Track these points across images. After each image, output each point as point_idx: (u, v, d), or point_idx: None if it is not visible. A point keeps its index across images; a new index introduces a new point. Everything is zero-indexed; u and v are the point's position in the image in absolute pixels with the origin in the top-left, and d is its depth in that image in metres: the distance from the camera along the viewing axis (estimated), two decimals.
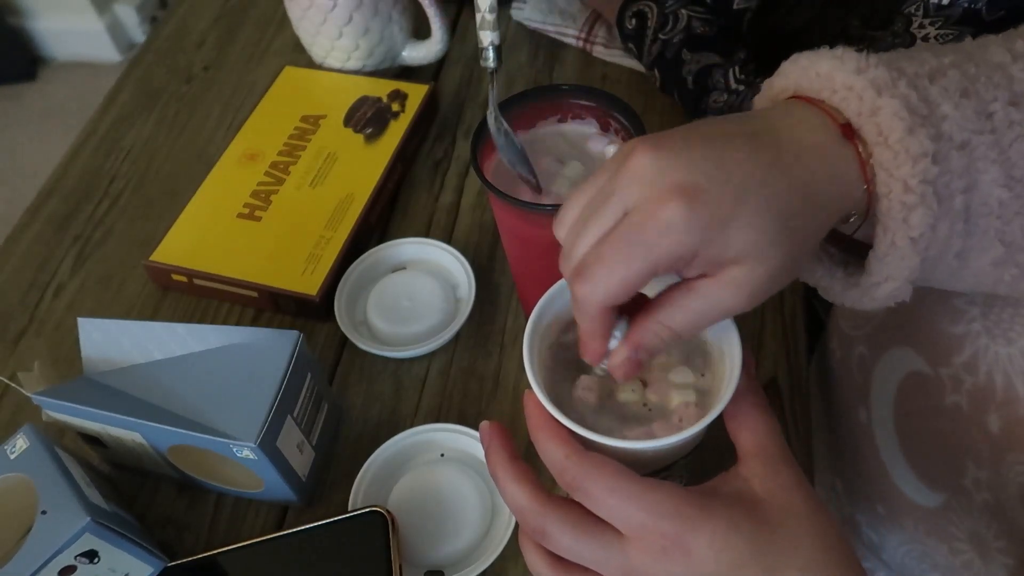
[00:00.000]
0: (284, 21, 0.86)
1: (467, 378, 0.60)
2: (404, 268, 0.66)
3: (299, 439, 0.52)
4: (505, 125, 0.50)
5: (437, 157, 0.75)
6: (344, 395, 0.60)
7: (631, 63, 0.79)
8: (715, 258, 0.33)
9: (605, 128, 0.54)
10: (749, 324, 0.61)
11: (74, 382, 0.53)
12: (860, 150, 0.34)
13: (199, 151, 0.78)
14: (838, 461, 0.65)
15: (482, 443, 0.40)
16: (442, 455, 0.56)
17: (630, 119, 0.51)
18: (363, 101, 0.75)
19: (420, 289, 0.62)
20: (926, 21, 0.55)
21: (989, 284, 0.38)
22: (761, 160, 0.33)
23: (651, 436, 0.38)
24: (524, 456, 0.39)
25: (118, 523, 0.47)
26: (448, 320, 0.62)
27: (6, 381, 0.56)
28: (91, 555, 0.46)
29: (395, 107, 0.74)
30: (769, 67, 0.40)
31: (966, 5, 0.54)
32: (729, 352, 0.39)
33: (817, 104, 0.36)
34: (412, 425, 0.57)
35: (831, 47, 0.36)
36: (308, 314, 0.64)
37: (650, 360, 0.37)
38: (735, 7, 0.69)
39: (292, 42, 0.85)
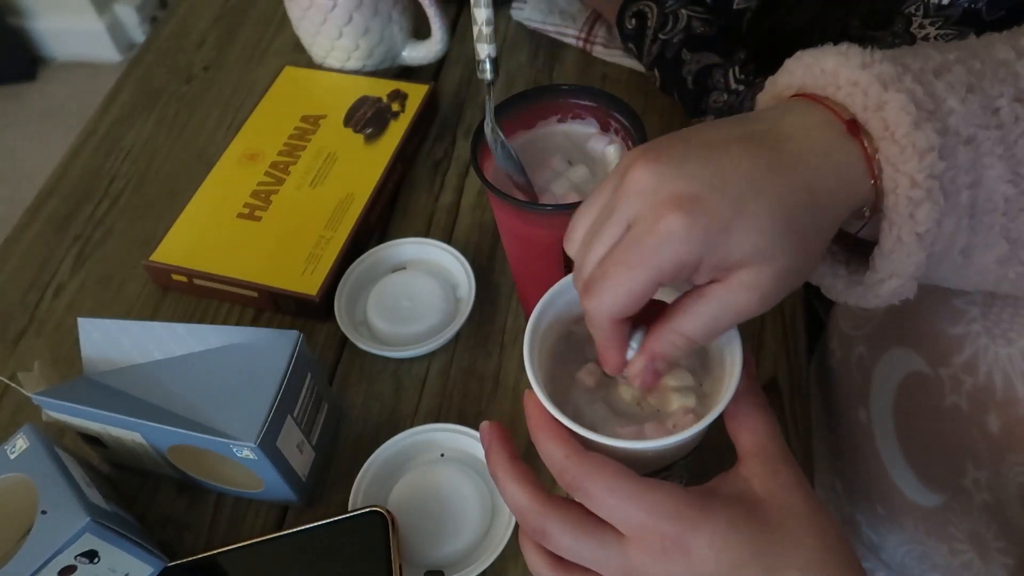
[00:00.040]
0: (284, 21, 0.86)
1: (467, 378, 0.60)
2: (404, 268, 0.66)
3: (299, 439, 0.52)
4: (501, 136, 0.50)
5: (437, 157, 0.75)
6: (344, 395, 0.60)
7: (631, 63, 0.79)
8: (721, 263, 0.33)
9: (605, 128, 0.54)
10: (749, 324, 0.61)
11: (74, 382, 0.53)
12: (866, 145, 0.34)
13: (199, 151, 0.78)
14: (838, 461, 0.65)
15: (482, 443, 0.40)
16: (442, 455, 0.56)
17: (630, 119, 0.51)
18: (363, 101, 0.75)
19: (420, 289, 0.62)
20: (926, 21, 0.55)
21: (993, 282, 0.38)
22: (760, 162, 0.33)
23: (642, 435, 0.38)
24: (524, 456, 0.39)
25: (118, 523, 0.47)
26: (448, 320, 0.62)
27: (6, 381, 0.56)
28: (91, 555, 0.46)
29: (395, 107, 0.74)
30: (769, 67, 0.39)
31: (966, 5, 0.54)
32: (729, 352, 0.39)
33: (821, 101, 0.36)
34: (412, 425, 0.57)
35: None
36: (308, 314, 0.64)
37: (669, 369, 0.38)
38: (735, 7, 0.69)
39: (292, 42, 0.85)
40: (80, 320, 0.53)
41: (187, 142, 0.79)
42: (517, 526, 0.50)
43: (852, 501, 0.63)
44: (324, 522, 0.50)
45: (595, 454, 0.36)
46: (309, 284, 0.63)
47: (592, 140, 0.54)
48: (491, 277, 0.66)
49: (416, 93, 0.75)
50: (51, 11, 2.25)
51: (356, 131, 0.73)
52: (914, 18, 0.56)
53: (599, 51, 0.81)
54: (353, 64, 0.78)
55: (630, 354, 0.37)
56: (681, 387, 0.40)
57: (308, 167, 0.71)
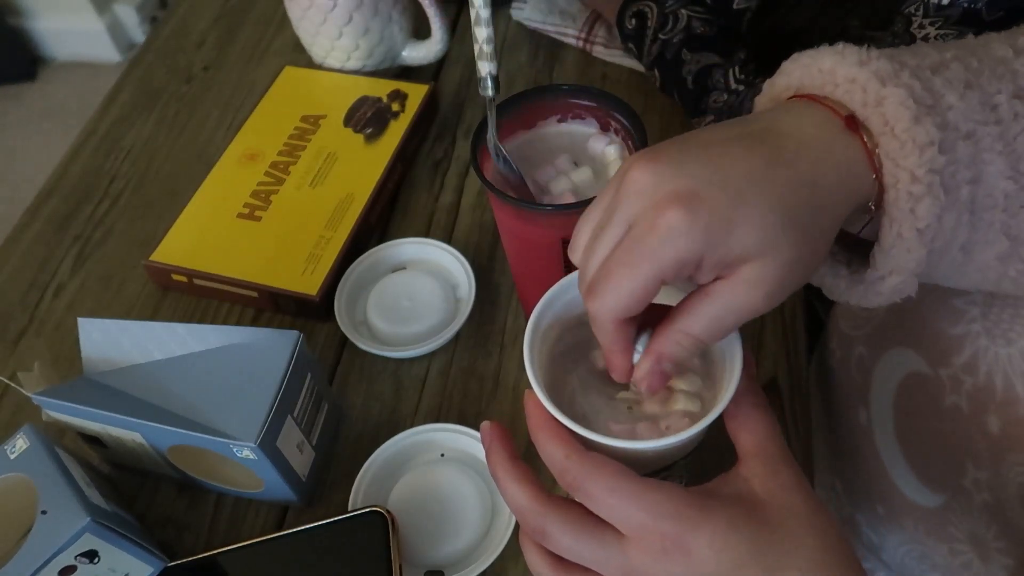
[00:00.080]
0: (284, 21, 0.86)
1: (467, 378, 0.60)
2: (404, 268, 0.66)
3: (299, 439, 0.52)
4: (504, 152, 0.51)
5: (437, 157, 0.75)
6: (344, 395, 0.60)
7: (631, 63, 0.79)
8: (723, 260, 0.33)
9: (605, 128, 0.54)
10: (749, 324, 0.60)
11: (74, 382, 0.53)
12: (866, 140, 0.34)
13: (199, 151, 0.78)
14: (838, 461, 0.65)
15: (483, 443, 0.40)
16: (442, 455, 0.56)
17: (630, 119, 0.51)
18: (363, 101, 0.75)
19: (420, 289, 0.62)
20: (926, 21, 0.55)
21: (994, 280, 0.38)
22: (759, 159, 0.33)
23: (634, 434, 0.38)
24: (524, 456, 0.39)
25: (118, 523, 0.47)
26: (448, 320, 0.62)
27: (6, 381, 0.56)
28: (91, 555, 0.46)
29: (395, 107, 0.74)
30: (769, 67, 0.40)
31: (966, 5, 0.54)
32: (729, 352, 0.39)
33: (819, 100, 0.36)
34: (412, 425, 0.57)
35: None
36: (308, 314, 0.64)
37: (676, 371, 0.37)
38: (735, 7, 0.69)
39: (292, 42, 0.85)
40: (80, 320, 0.53)
41: (187, 142, 0.79)
42: (517, 526, 0.50)
43: (852, 501, 0.63)
44: (324, 522, 0.50)
45: (595, 454, 0.36)
46: (309, 284, 0.63)
47: (592, 140, 0.54)
48: (491, 277, 0.66)
49: (416, 93, 0.75)
50: (51, 11, 2.25)
51: (356, 131, 0.73)
52: (914, 18, 0.56)
53: (599, 51, 0.81)
54: (353, 64, 0.78)
55: (636, 358, 0.37)
56: (690, 391, 0.40)
57: (308, 167, 0.71)
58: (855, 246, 0.39)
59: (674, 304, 0.37)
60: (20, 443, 0.48)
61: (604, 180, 0.52)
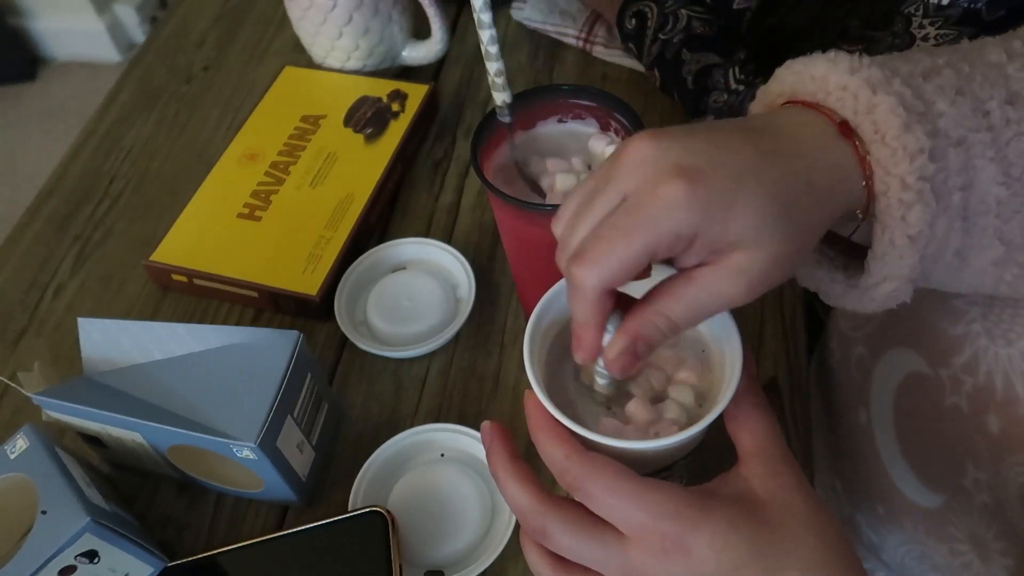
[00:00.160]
0: (284, 21, 0.86)
1: (467, 378, 0.60)
2: (404, 268, 0.66)
3: (299, 439, 0.52)
4: (531, 175, 0.52)
5: (437, 157, 0.75)
6: (344, 395, 0.60)
7: (631, 63, 0.79)
8: (715, 242, 0.33)
9: (605, 128, 0.54)
10: (749, 324, 0.61)
11: (74, 382, 0.53)
12: (858, 146, 0.34)
13: (199, 151, 0.78)
14: (838, 461, 0.65)
15: (483, 443, 0.40)
16: (442, 455, 0.56)
17: (630, 119, 0.51)
18: (363, 101, 0.75)
19: (420, 289, 0.62)
20: (926, 21, 0.56)
21: (990, 284, 0.38)
22: (760, 150, 0.33)
23: (623, 433, 0.38)
24: (524, 456, 0.39)
25: (118, 523, 0.47)
26: (448, 320, 0.62)
27: (6, 381, 0.56)
28: (91, 555, 0.46)
29: (395, 107, 0.74)
30: (769, 67, 0.40)
31: (966, 5, 0.54)
32: (729, 352, 0.39)
33: (813, 107, 0.36)
34: (412, 425, 0.57)
35: (831, 47, 0.37)
36: (308, 314, 0.64)
37: (649, 353, 0.36)
38: (735, 7, 0.69)
39: (292, 42, 0.85)
40: (80, 320, 0.53)
41: (187, 142, 0.79)
42: (517, 526, 0.50)
43: (852, 501, 0.63)
44: (324, 522, 0.50)
45: (595, 454, 0.36)
46: (309, 284, 0.63)
47: (592, 140, 0.54)
48: (491, 277, 0.66)
49: (416, 93, 0.75)
50: (51, 11, 2.25)
51: (356, 131, 0.73)
52: (914, 18, 0.56)
53: (599, 51, 0.81)
54: (353, 64, 0.78)
55: (606, 339, 0.36)
56: (680, 403, 0.40)
57: (308, 167, 0.71)
58: (852, 251, 0.39)
59: (637, 296, 0.36)
60: (20, 443, 0.48)
61: None
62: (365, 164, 0.70)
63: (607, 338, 0.36)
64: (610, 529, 0.36)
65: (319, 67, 0.80)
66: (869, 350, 0.56)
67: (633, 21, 0.72)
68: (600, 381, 0.39)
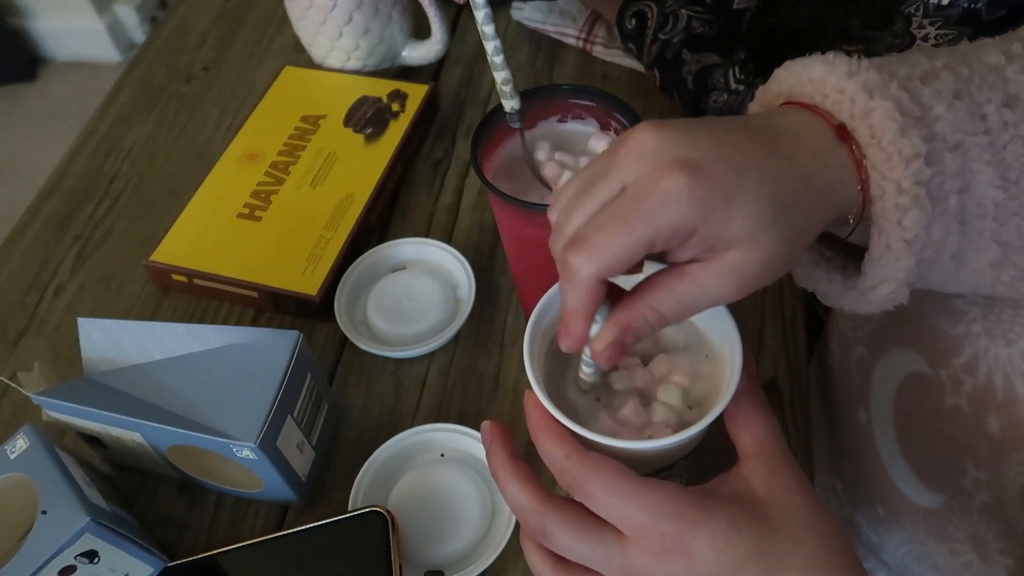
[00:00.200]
0: (284, 21, 0.86)
1: (467, 378, 0.60)
2: (404, 268, 0.66)
3: (299, 439, 0.52)
4: (539, 174, 0.52)
5: (437, 157, 0.75)
6: (344, 395, 0.60)
7: (631, 63, 0.79)
8: (712, 238, 0.33)
9: (605, 128, 0.54)
10: (749, 324, 0.61)
11: (74, 382, 0.53)
12: (854, 149, 0.34)
13: (199, 151, 0.78)
14: (838, 461, 0.65)
15: (483, 443, 0.40)
16: (442, 455, 0.56)
17: (630, 119, 0.51)
18: (363, 101, 0.75)
19: (420, 289, 0.62)
20: (926, 21, 0.56)
21: (988, 286, 0.38)
22: (760, 149, 0.33)
23: (617, 432, 0.38)
24: (524, 456, 0.39)
25: (118, 523, 0.47)
26: (448, 320, 0.62)
27: (6, 381, 0.56)
28: (91, 555, 0.46)
29: (395, 107, 0.74)
30: (769, 67, 0.40)
31: (966, 5, 0.54)
32: (729, 352, 0.39)
33: (811, 109, 0.36)
34: (412, 425, 0.57)
35: (830, 47, 0.37)
36: (308, 314, 0.64)
37: (635, 343, 0.36)
38: (735, 7, 0.69)
39: (292, 42, 0.85)
40: (80, 320, 0.53)
41: (187, 142, 0.79)
42: (517, 526, 0.50)
43: (852, 501, 0.63)
44: (324, 522, 0.50)
45: (595, 454, 0.36)
46: (309, 284, 0.63)
47: (592, 140, 0.54)
48: (491, 277, 0.66)
49: (416, 93, 0.75)
50: (51, 11, 2.25)
51: (356, 131, 0.73)
52: (914, 18, 0.56)
53: (599, 51, 0.81)
54: (353, 64, 0.78)
55: (594, 329, 0.36)
56: (669, 405, 0.40)
57: (308, 167, 0.71)
58: (850, 251, 0.39)
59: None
60: (20, 443, 0.48)
61: None
62: (365, 164, 0.70)
63: (595, 328, 0.36)
64: (610, 529, 0.36)
65: (319, 67, 0.80)
66: (869, 350, 0.56)
67: (633, 21, 0.72)
68: (586, 370, 0.40)
